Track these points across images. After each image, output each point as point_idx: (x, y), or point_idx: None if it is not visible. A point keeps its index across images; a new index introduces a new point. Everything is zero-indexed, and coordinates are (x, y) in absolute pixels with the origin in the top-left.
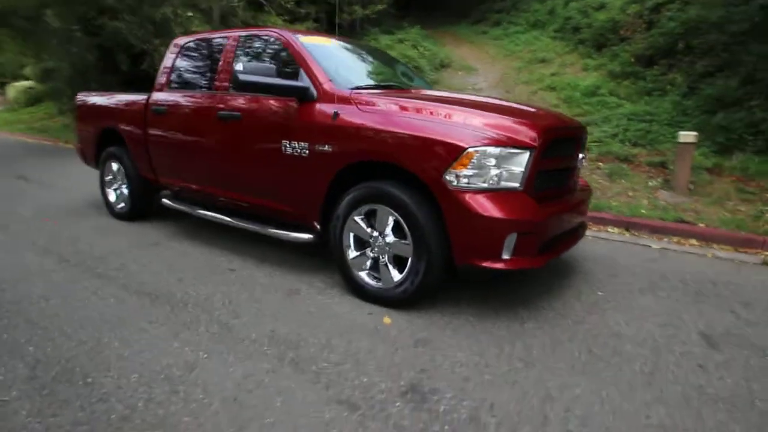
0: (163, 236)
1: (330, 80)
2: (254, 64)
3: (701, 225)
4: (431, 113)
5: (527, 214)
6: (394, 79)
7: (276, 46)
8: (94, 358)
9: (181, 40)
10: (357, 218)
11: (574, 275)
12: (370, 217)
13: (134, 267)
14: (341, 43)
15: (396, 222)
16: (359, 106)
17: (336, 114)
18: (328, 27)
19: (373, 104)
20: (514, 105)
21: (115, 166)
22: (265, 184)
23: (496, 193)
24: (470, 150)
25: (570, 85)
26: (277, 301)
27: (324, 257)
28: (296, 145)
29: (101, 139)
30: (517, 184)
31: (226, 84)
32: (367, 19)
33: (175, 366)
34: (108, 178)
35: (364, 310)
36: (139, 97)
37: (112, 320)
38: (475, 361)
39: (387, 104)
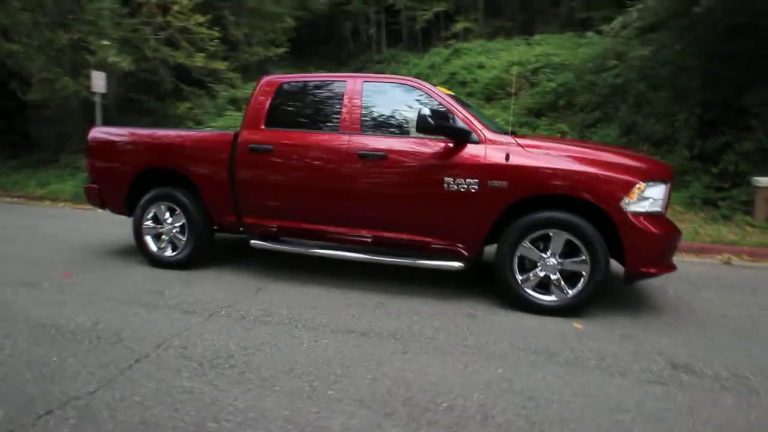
0: (255, 280)
1: (486, 126)
2: (434, 110)
3: None
4: (590, 156)
5: (673, 231)
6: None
7: (414, 94)
8: (411, 387)
9: (276, 80)
10: (527, 243)
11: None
12: (536, 242)
13: (281, 311)
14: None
15: (566, 243)
16: (525, 149)
17: (508, 155)
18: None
19: (536, 147)
20: (620, 148)
21: (163, 208)
22: (414, 217)
23: (652, 216)
24: (639, 184)
25: None
26: (469, 324)
27: (442, 283)
28: (462, 182)
29: (138, 181)
30: (660, 209)
31: (356, 124)
32: (270, 60)
33: (493, 381)
34: (148, 224)
35: (549, 321)
36: (218, 134)
37: (369, 357)
38: (680, 342)
39: (548, 148)
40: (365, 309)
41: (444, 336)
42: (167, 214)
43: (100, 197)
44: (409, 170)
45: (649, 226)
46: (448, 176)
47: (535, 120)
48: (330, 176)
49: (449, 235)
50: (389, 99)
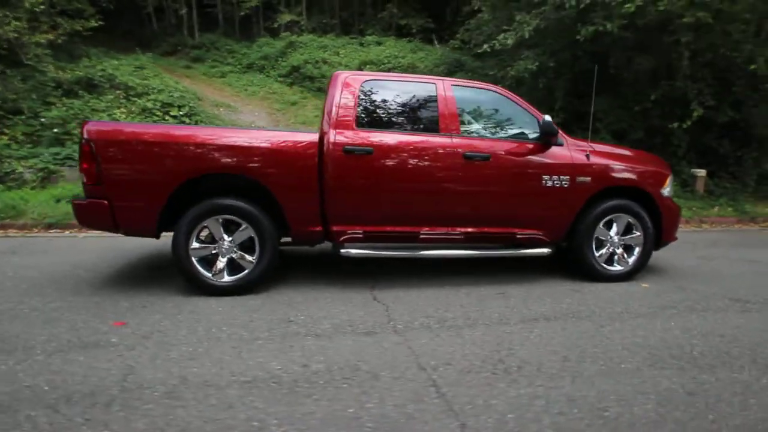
0: (354, 292)
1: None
2: (551, 117)
3: None
4: (636, 155)
5: (679, 208)
6: None
7: (499, 100)
8: (671, 345)
9: (357, 78)
10: (601, 226)
11: None
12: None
13: (446, 314)
14: None
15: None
16: (594, 151)
17: (588, 155)
18: None
19: (601, 150)
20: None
21: (218, 224)
22: (512, 212)
23: (671, 199)
24: (669, 176)
25: None
26: (586, 297)
27: (510, 269)
28: (557, 178)
29: (180, 192)
30: (672, 193)
31: (455, 127)
32: (80, 36)
33: (688, 330)
34: (196, 246)
35: (624, 286)
36: (300, 134)
37: (597, 336)
38: (715, 285)
39: (607, 151)
40: (497, 300)
41: (595, 309)
42: (222, 230)
43: (111, 216)
44: (512, 169)
45: (672, 205)
46: (546, 174)
47: None
48: (435, 177)
49: (538, 225)
50: (477, 103)
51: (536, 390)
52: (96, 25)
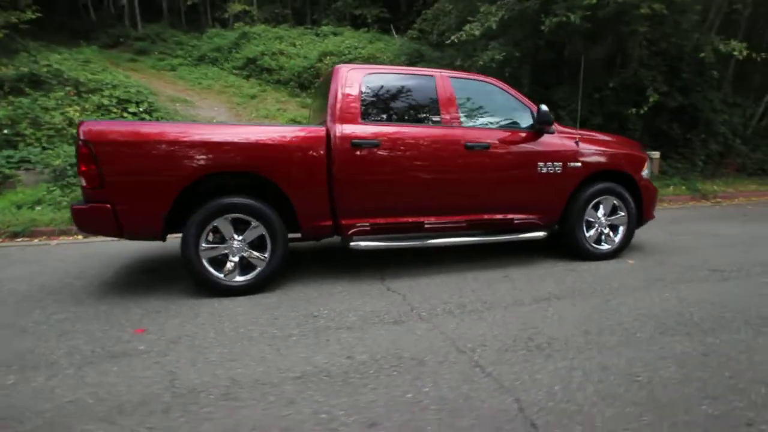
0: (366, 284)
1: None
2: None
3: None
4: (618, 140)
5: (655, 188)
6: None
7: (493, 91)
8: (667, 317)
9: (358, 71)
10: (590, 209)
11: None
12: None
13: (463, 300)
14: None
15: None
16: (582, 138)
17: (577, 142)
18: None
19: (588, 137)
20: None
21: (228, 222)
22: (511, 198)
23: (649, 180)
24: (647, 159)
25: None
26: (581, 276)
27: (501, 253)
28: (551, 165)
29: (187, 192)
30: (649, 175)
31: (455, 118)
32: (14, 29)
33: (685, 300)
34: (204, 246)
35: (613, 263)
36: (306, 128)
37: (608, 310)
38: (689, 257)
39: (589, 136)
40: (505, 283)
41: (595, 285)
42: (232, 229)
43: (114, 220)
44: (510, 157)
45: (650, 186)
46: (541, 161)
47: None
48: (439, 168)
49: (534, 210)
50: (473, 94)
51: (571, 362)
52: (33, 16)
